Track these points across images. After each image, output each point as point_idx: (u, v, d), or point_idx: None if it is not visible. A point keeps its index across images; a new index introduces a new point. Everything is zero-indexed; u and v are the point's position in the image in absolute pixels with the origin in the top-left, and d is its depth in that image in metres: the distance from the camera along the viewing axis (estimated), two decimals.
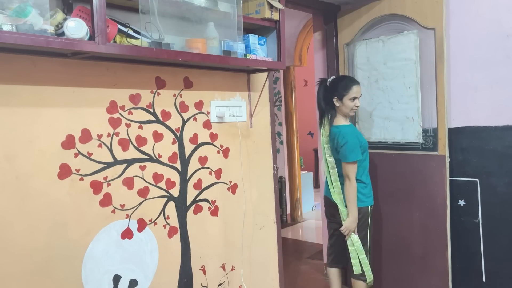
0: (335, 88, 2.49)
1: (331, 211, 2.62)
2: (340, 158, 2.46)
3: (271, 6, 2.18)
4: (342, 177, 2.51)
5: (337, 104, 2.49)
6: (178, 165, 2.10)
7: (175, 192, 2.10)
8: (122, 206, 1.88)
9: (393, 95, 2.84)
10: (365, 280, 2.52)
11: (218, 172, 2.31)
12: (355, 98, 2.46)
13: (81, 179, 1.75)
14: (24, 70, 1.59)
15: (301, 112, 5.94)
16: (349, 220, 2.45)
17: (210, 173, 2.26)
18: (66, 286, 1.71)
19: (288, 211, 5.50)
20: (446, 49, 2.59)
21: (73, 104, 1.73)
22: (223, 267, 2.35)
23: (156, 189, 2.01)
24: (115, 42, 1.68)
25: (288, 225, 5.31)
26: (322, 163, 2.86)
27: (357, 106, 2.48)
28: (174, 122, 2.09)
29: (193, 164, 2.18)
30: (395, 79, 2.82)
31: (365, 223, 2.53)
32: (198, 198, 2.21)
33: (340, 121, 2.53)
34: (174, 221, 2.10)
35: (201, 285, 2.23)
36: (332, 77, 2.59)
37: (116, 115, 1.86)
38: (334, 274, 2.71)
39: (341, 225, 2.50)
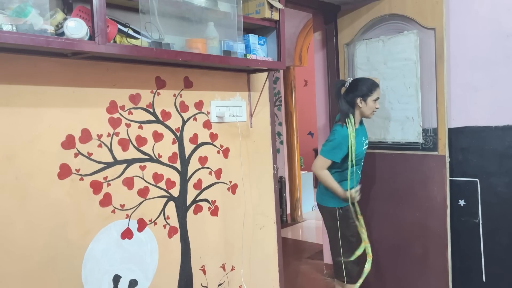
0: (359, 89, 2.44)
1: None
2: (321, 149, 2.45)
3: (271, 6, 2.18)
4: (334, 174, 2.46)
5: (360, 105, 2.44)
6: (178, 165, 2.10)
7: (175, 192, 2.10)
8: (122, 206, 1.89)
9: (393, 95, 2.84)
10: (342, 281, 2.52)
11: (218, 172, 2.31)
12: (378, 99, 2.46)
13: (81, 179, 1.75)
14: (24, 70, 1.59)
15: (301, 112, 5.95)
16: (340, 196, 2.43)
17: (210, 173, 2.26)
18: (66, 286, 1.71)
19: (288, 211, 5.50)
20: (446, 49, 2.59)
21: (73, 104, 1.73)
22: (223, 267, 2.35)
23: (156, 189, 2.01)
24: (115, 42, 1.68)
25: (288, 225, 5.31)
26: None
27: (377, 108, 2.47)
28: (174, 122, 2.09)
29: (193, 164, 2.18)
30: (395, 79, 2.82)
31: (332, 223, 2.49)
32: (198, 198, 2.21)
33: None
34: (174, 221, 2.10)
35: (201, 285, 2.23)
36: (349, 79, 2.53)
37: (116, 115, 1.86)
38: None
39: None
